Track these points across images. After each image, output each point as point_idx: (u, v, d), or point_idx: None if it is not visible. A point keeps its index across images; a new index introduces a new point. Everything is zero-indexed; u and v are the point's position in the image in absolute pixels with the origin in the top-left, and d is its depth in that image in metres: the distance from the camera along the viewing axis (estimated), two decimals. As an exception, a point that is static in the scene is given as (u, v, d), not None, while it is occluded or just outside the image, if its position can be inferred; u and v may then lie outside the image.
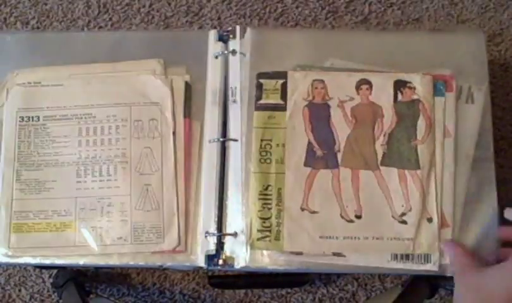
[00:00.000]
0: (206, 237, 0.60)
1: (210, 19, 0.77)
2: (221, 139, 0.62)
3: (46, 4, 0.79)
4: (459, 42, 0.64)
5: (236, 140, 0.62)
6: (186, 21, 0.77)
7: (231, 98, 0.63)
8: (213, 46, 0.65)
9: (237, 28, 0.65)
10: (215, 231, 0.60)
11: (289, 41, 0.65)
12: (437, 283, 0.65)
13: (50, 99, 0.63)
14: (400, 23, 0.77)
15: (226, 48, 0.64)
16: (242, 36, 0.64)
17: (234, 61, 0.64)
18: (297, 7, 0.77)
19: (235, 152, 0.61)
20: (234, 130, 0.62)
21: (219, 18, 0.77)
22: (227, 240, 0.60)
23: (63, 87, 0.63)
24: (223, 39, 0.65)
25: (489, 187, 0.59)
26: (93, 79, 0.63)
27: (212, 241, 0.59)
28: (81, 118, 0.62)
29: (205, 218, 0.60)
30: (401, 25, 0.76)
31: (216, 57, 0.64)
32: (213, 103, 0.63)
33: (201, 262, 0.59)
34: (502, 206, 0.58)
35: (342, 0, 0.77)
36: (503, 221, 0.57)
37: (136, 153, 0.62)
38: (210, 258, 0.59)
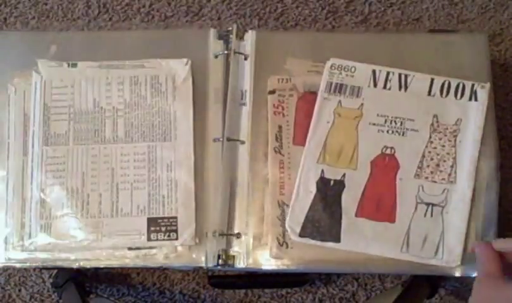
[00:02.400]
0: (212, 236, 0.60)
1: (210, 19, 0.77)
2: (224, 139, 0.62)
3: (46, 4, 0.79)
4: (461, 42, 0.65)
5: (243, 142, 0.62)
6: (186, 21, 0.77)
7: (240, 101, 0.63)
8: (214, 45, 0.65)
9: (250, 32, 0.65)
10: (222, 232, 0.60)
11: (291, 43, 0.65)
12: (437, 283, 0.65)
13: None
14: (400, 23, 0.76)
15: (227, 47, 0.64)
16: (244, 38, 0.65)
17: (243, 64, 0.64)
18: (297, 7, 0.77)
19: (242, 153, 0.62)
20: (242, 132, 0.62)
21: (219, 18, 0.77)
22: (228, 241, 0.60)
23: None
24: (223, 38, 0.65)
25: (491, 186, 0.59)
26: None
27: (218, 241, 0.60)
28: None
29: (211, 218, 0.60)
30: (401, 25, 0.76)
31: (216, 57, 0.64)
32: (216, 102, 0.63)
33: (207, 262, 0.59)
34: (502, 206, 0.59)
35: (342, 0, 0.77)
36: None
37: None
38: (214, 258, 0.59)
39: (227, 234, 0.60)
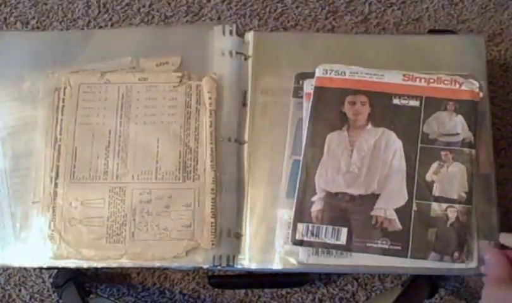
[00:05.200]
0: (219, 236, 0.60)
1: (210, 19, 0.77)
2: (234, 139, 0.62)
3: (46, 4, 0.79)
4: (460, 43, 0.64)
5: (244, 142, 0.62)
6: (186, 21, 0.77)
7: (241, 101, 0.63)
8: (213, 45, 0.65)
9: (251, 32, 0.65)
10: (226, 232, 0.60)
11: (291, 43, 0.65)
12: (437, 283, 0.65)
13: None
14: (400, 23, 0.77)
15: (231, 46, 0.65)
16: (244, 38, 0.65)
17: (243, 64, 0.64)
18: (297, 7, 0.77)
19: (243, 154, 0.62)
20: (243, 132, 0.63)
21: (219, 18, 0.77)
22: (228, 241, 0.60)
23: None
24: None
25: (489, 187, 0.59)
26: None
27: (222, 241, 0.60)
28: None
29: (215, 218, 0.60)
30: (401, 25, 0.76)
31: (215, 57, 0.64)
32: (218, 103, 0.63)
33: (207, 262, 0.59)
34: (502, 206, 0.59)
35: (342, 0, 0.77)
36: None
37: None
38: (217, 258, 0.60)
39: (227, 235, 0.60)
